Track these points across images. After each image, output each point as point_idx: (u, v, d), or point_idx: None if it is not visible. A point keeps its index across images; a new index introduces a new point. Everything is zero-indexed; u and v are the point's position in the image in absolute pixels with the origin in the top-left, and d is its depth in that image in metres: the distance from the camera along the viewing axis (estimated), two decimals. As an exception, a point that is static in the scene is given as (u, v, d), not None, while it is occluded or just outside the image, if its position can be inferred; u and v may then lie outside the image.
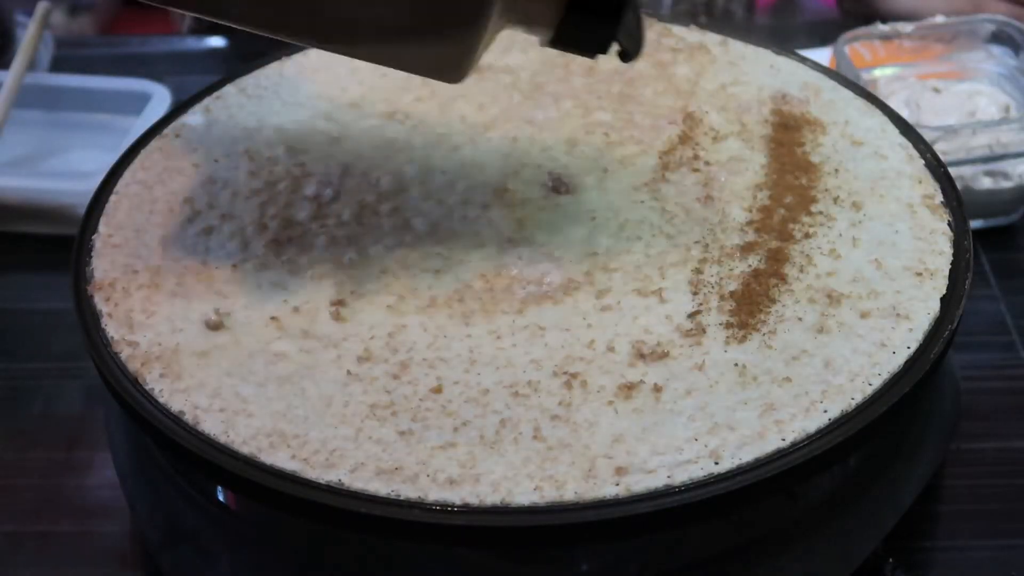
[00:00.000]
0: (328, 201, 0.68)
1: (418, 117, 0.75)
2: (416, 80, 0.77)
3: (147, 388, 0.58)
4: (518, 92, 0.76)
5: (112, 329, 0.61)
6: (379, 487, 0.53)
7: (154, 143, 0.73)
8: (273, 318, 0.61)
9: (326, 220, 0.67)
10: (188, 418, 0.56)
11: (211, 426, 0.56)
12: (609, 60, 0.78)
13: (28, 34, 0.95)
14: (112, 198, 0.69)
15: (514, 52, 0.79)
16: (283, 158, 0.71)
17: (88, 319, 0.61)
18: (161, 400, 0.57)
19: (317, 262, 0.64)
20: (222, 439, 0.55)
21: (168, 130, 0.74)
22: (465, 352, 0.60)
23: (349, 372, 0.58)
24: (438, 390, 0.58)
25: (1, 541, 0.69)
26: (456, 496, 0.53)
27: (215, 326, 0.61)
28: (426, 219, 0.67)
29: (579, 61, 0.78)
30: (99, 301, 0.62)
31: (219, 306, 0.62)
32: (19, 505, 0.71)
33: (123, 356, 0.59)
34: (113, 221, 0.67)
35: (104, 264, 0.64)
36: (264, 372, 0.59)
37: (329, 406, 0.57)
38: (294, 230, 0.66)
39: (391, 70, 0.78)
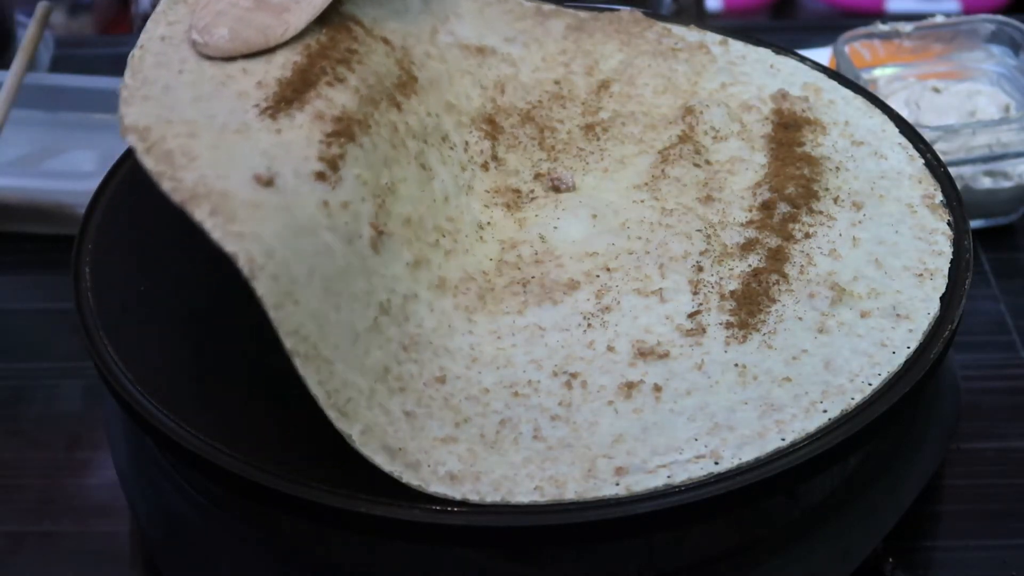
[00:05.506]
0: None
1: (418, 116, 0.74)
2: (416, 80, 0.77)
3: (196, 220, 0.52)
4: (519, 89, 0.76)
5: (151, 162, 0.54)
6: (382, 461, 0.53)
7: (181, 7, 0.65)
8: (325, 202, 0.57)
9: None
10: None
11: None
12: (610, 59, 0.78)
13: (28, 34, 0.94)
14: (136, 52, 0.62)
15: (515, 46, 0.78)
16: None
17: (88, 320, 0.61)
18: (214, 237, 0.51)
19: (362, 167, 0.60)
20: None
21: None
22: (467, 348, 0.59)
23: (376, 320, 0.57)
24: (441, 380, 0.58)
25: (1, 541, 0.69)
26: (456, 493, 0.53)
27: (267, 182, 0.55)
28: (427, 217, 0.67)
29: (580, 60, 0.78)
30: (134, 140, 0.55)
31: (270, 165, 0.56)
32: (19, 505, 0.70)
33: (166, 188, 0.53)
34: (139, 75, 0.60)
35: (133, 112, 0.57)
36: (311, 262, 0.54)
37: (355, 344, 0.55)
38: (339, 133, 0.60)
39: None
